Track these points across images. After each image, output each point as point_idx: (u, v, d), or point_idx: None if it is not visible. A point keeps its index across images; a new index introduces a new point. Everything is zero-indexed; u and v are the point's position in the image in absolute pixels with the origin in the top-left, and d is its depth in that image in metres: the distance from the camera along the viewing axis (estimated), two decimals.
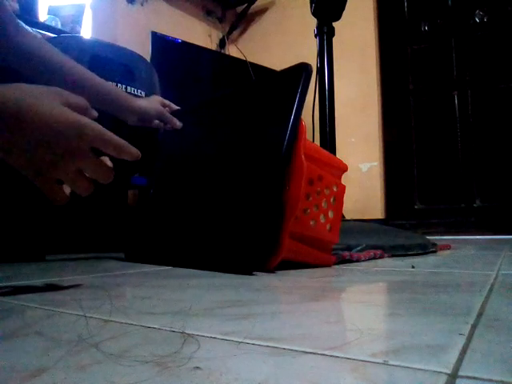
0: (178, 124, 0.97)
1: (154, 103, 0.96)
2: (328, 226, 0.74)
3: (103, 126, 0.45)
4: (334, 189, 0.75)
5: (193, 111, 0.99)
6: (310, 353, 0.25)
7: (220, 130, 0.87)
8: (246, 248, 0.66)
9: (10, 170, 0.46)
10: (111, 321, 0.35)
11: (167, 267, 0.76)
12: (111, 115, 0.90)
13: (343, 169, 0.79)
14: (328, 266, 0.74)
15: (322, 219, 0.72)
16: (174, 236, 0.83)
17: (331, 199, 0.74)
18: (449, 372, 0.21)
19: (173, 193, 0.92)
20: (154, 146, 1.21)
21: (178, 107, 1.01)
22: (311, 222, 0.70)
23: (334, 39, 1.33)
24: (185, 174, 0.91)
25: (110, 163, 0.49)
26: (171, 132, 0.99)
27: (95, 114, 0.48)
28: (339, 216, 0.76)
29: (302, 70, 0.71)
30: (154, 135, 1.16)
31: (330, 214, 0.74)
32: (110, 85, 0.95)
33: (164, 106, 0.99)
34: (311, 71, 0.71)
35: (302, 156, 0.68)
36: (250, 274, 0.63)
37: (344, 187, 0.77)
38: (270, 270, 0.66)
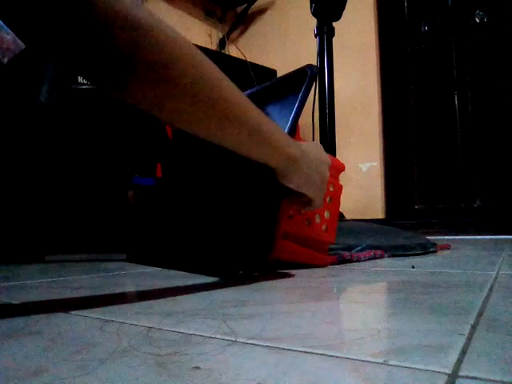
0: None
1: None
2: (324, 227, 0.73)
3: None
4: (331, 188, 0.74)
5: None
6: (310, 353, 0.25)
7: None
8: (231, 254, 0.66)
9: (9, 171, 0.46)
10: (110, 320, 0.35)
11: (167, 269, 0.76)
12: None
13: (340, 168, 0.79)
14: (324, 266, 0.74)
15: (317, 219, 0.72)
16: (175, 240, 0.83)
17: (327, 199, 0.74)
18: (449, 372, 0.21)
19: (178, 198, 0.92)
20: (157, 148, 1.20)
21: None
22: (306, 222, 0.70)
23: (334, 39, 1.33)
24: (190, 180, 0.90)
25: None
26: (184, 138, 0.98)
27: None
28: (336, 216, 0.76)
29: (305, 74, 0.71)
30: (159, 136, 1.16)
31: (326, 214, 0.74)
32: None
33: None
34: (315, 74, 0.71)
35: None
36: (233, 278, 0.62)
37: (341, 187, 0.77)
38: (270, 270, 0.66)
